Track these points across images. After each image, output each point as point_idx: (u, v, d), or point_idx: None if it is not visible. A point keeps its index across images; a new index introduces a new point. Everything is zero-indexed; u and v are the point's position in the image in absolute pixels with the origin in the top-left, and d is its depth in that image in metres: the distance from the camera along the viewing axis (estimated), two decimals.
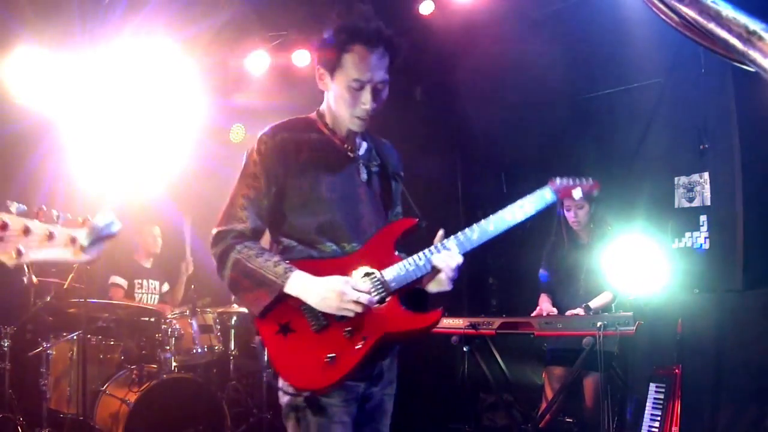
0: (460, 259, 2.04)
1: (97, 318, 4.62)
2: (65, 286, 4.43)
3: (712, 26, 1.02)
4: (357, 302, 1.94)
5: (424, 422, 5.09)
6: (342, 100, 2.08)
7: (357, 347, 1.95)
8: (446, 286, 2.07)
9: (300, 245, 2.08)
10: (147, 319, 4.76)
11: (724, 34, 1.01)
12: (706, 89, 4.04)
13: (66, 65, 4.86)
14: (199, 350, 4.78)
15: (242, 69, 5.56)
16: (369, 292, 1.98)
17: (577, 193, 2.37)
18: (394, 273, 2.03)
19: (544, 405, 4.18)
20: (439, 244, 2.08)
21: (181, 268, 5.45)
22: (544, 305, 4.26)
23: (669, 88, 4.34)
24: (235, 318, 5.17)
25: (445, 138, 6.16)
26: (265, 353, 2.00)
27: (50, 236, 1.44)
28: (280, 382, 2.01)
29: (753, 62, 0.98)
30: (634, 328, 3.52)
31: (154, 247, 5.44)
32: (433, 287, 2.10)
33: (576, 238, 4.29)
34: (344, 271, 2.01)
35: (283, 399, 2.03)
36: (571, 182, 2.37)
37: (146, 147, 5.30)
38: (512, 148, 5.56)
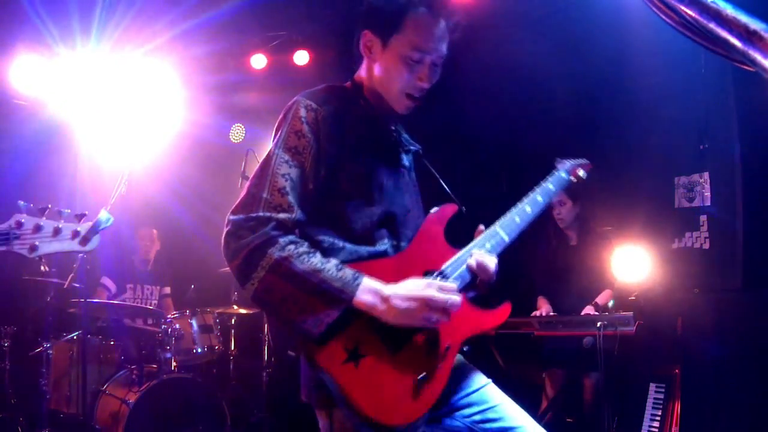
0: (494, 260, 1.76)
1: (97, 318, 4.62)
2: (65, 286, 4.43)
3: (712, 26, 1.02)
4: (445, 309, 1.56)
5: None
6: (394, 74, 1.72)
7: (443, 359, 1.61)
8: (482, 290, 1.79)
9: (349, 244, 1.64)
10: (147, 318, 4.77)
11: (724, 34, 1.01)
12: (706, 89, 4.04)
13: (65, 65, 4.86)
14: (199, 350, 4.78)
15: (242, 69, 5.56)
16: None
17: (582, 173, 2.22)
18: (456, 268, 1.70)
19: (544, 405, 4.18)
20: (482, 236, 1.80)
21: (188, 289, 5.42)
22: (544, 308, 4.27)
23: (669, 88, 4.34)
24: (235, 318, 5.17)
25: (445, 138, 6.15)
26: (338, 390, 1.50)
27: (57, 231, 1.77)
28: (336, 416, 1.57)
29: (753, 62, 0.98)
30: (634, 328, 3.53)
31: (153, 249, 5.43)
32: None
33: (566, 240, 4.31)
34: (401, 273, 1.60)
35: None
36: (574, 163, 2.24)
37: (145, 147, 5.30)
38: (512, 147, 5.56)
